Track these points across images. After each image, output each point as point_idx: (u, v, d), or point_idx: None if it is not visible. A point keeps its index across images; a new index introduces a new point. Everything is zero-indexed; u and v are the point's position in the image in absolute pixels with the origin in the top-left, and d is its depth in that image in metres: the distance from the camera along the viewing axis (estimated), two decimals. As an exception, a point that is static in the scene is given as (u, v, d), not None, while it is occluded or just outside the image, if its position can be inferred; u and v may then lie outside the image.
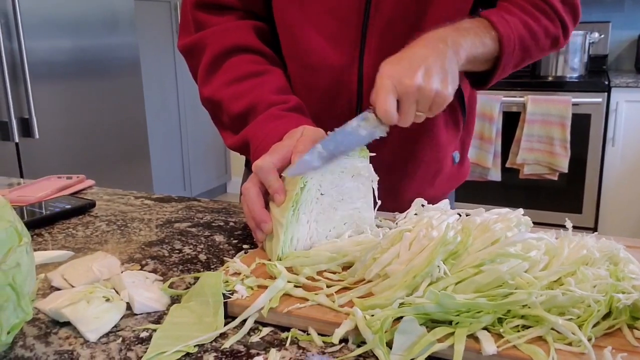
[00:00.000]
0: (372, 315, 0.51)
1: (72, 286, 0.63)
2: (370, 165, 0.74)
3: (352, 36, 0.86)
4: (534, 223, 0.65)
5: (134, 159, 3.01)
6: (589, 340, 0.47)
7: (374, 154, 0.74)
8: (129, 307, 0.59)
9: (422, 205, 0.68)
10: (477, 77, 0.88)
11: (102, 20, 2.72)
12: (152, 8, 3.41)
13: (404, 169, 0.96)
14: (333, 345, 0.51)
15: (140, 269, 0.69)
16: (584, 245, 0.59)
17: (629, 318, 0.51)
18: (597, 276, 0.54)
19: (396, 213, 0.75)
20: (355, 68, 0.87)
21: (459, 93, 0.96)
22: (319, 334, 0.53)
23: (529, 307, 0.50)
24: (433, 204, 1.00)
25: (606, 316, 0.51)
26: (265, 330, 0.54)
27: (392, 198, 0.81)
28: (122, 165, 2.91)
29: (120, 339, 0.53)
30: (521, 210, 0.63)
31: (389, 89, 0.70)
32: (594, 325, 0.49)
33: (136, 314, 0.58)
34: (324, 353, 0.50)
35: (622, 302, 0.50)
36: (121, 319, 0.57)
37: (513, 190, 3.02)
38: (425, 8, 0.85)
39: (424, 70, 0.71)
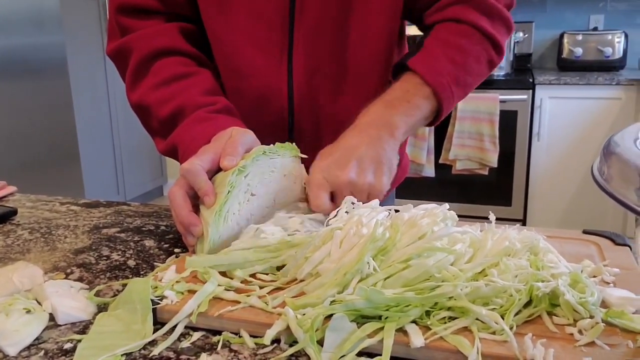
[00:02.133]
0: (304, 315, 0.51)
1: (-10, 299, 0.60)
2: (302, 164, 0.74)
3: (279, 40, 0.85)
4: (466, 217, 0.67)
5: (63, 162, 2.89)
6: (511, 328, 0.49)
7: (305, 156, 0.74)
8: (52, 318, 0.56)
9: (352, 203, 0.69)
10: None
11: (27, 17, 2.60)
12: (79, 5, 3.29)
13: None
14: (265, 346, 0.51)
15: (65, 278, 0.67)
16: (507, 237, 0.61)
17: (548, 305, 0.53)
18: (519, 266, 0.56)
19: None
20: (284, 72, 0.87)
21: None
22: (251, 336, 0.52)
23: (455, 299, 0.52)
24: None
25: (527, 304, 0.53)
26: (196, 335, 0.53)
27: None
28: (51, 170, 2.79)
29: (43, 351, 0.51)
30: (447, 205, 0.65)
31: (321, 184, 0.69)
32: (516, 314, 0.51)
33: (60, 325, 0.55)
34: (255, 355, 0.50)
35: (542, 290, 0.53)
36: (44, 330, 0.54)
37: (446, 185, 3.11)
38: (350, 8, 0.84)
39: (356, 163, 0.70)
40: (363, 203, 0.69)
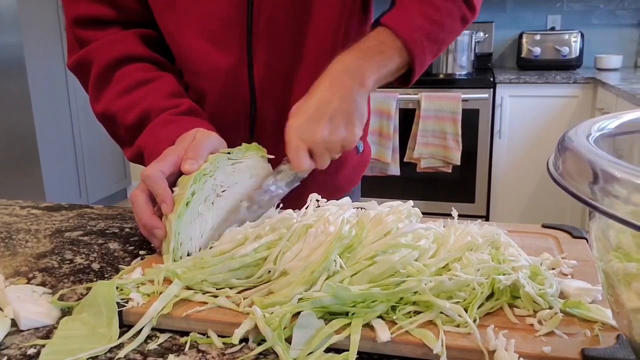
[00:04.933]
0: (272, 313, 0.51)
1: (-51, 306, 0.58)
2: (269, 164, 0.74)
3: (237, 37, 0.84)
4: (431, 214, 0.68)
5: (23, 166, 2.82)
6: (474, 321, 0.50)
7: (272, 156, 0.75)
8: (14, 323, 0.55)
9: (317, 200, 0.70)
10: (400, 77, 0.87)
11: (-19, 18, 2.52)
12: (37, 5, 3.21)
13: None
14: (233, 345, 0.51)
15: (27, 283, 0.65)
16: (469, 232, 0.63)
17: (510, 297, 0.55)
18: (481, 260, 0.57)
19: (297, 211, 0.76)
20: (245, 70, 0.86)
21: None
22: (219, 336, 0.52)
23: (420, 294, 0.53)
24: (340, 192, 1.02)
25: (489, 297, 0.55)
26: (163, 337, 0.53)
27: (295, 194, 0.81)
28: (10, 174, 2.72)
29: (5, 357, 0.50)
30: (411, 202, 0.66)
31: (299, 146, 0.72)
32: (479, 307, 0.53)
33: (23, 330, 0.54)
34: (224, 354, 0.50)
35: (503, 283, 0.54)
36: (6, 336, 0.53)
37: (412, 183, 3.15)
38: (308, 2, 0.84)
39: (329, 120, 0.73)
40: (336, 155, 0.76)
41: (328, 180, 0.99)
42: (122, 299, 0.56)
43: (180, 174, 0.69)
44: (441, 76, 3.15)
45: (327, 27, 0.86)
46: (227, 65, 0.86)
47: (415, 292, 0.53)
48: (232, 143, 0.76)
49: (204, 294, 0.57)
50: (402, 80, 0.87)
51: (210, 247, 0.66)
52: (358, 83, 0.76)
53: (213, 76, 0.87)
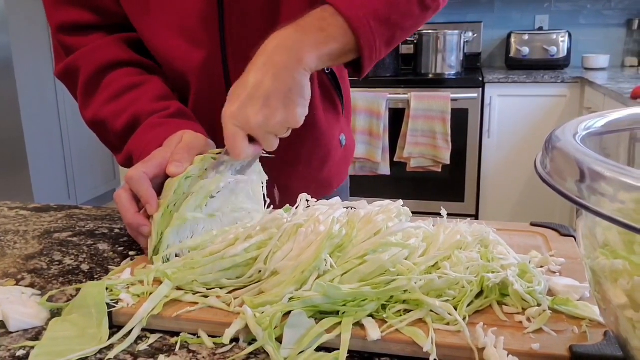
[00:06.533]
0: (262, 313, 0.51)
1: (-64, 308, 0.58)
2: (260, 164, 0.74)
3: (211, 32, 0.84)
4: (421, 213, 0.68)
5: (10, 167, 2.79)
6: (464, 319, 0.51)
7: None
8: (3, 325, 0.55)
9: (307, 200, 0.70)
10: (354, 65, 0.80)
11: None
12: (25, 5, 3.18)
13: (288, 159, 0.94)
14: (224, 345, 0.51)
15: (16, 284, 0.65)
16: (458, 230, 0.63)
17: (499, 295, 0.55)
18: (470, 259, 0.58)
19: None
20: (219, 65, 0.86)
21: (331, 76, 0.95)
22: (210, 336, 0.52)
23: (410, 292, 0.53)
24: (328, 188, 1.03)
25: (478, 295, 0.55)
26: (154, 338, 0.53)
27: (282, 189, 0.81)
28: (-4, 175, 2.69)
29: (-6, 360, 0.50)
30: (401, 202, 0.66)
31: (235, 132, 0.67)
32: (468, 305, 0.53)
33: (12, 332, 0.54)
34: (214, 355, 0.50)
35: (492, 281, 0.55)
36: (-6, 339, 0.53)
37: (402, 183, 3.16)
38: None
39: (264, 102, 0.67)
40: (284, 134, 0.70)
41: (313, 175, 0.99)
42: (112, 300, 0.56)
43: (164, 177, 0.69)
44: (430, 76, 3.16)
45: (302, 12, 0.85)
46: (202, 62, 0.85)
47: (405, 291, 0.53)
48: (219, 140, 0.75)
49: (194, 294, 0.57)
50: (354, 69, 0.80)
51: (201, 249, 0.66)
52: (294, 60, 0.69)
53: (190, 73, 0.87)
